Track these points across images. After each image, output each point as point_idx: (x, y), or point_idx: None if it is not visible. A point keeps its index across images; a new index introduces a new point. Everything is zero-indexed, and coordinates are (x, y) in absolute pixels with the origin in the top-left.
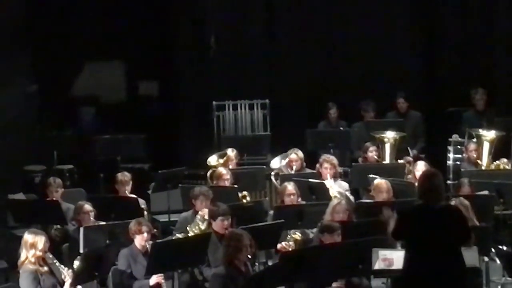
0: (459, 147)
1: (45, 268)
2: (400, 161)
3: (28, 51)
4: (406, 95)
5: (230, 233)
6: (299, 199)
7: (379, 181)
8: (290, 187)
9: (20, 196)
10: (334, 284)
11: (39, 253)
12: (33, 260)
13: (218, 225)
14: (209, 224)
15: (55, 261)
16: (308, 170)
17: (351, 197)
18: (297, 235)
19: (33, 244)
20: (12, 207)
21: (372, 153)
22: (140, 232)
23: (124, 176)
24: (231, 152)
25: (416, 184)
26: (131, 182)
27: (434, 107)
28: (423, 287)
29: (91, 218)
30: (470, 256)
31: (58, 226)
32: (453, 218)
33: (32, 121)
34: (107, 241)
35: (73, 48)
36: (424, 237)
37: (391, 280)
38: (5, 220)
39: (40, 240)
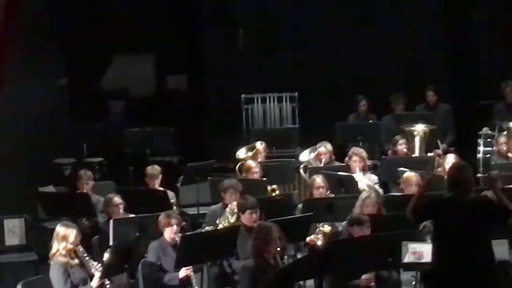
0: (489, 140)
1: (76, 261)
2: (430, 154)
3: (58, 45)
4: (436, 88)
5: (259, 226)
6: (328, 192)
7: (409, 174)
8: (318, 180)
9: (50, 188)
10: (363, 276)
11: (70, 246)
12: (64, 252)
13: (247, 218)
14: (238, 217)
15: (85, 254)
16: (337, 163)
17: (380, 190)
18: (326, 228)
19: (64, 237)
20: (42, 199)
21: (401, 146)
22: (170, 225)
23: (154, 169)
24: (259, 145)
25: (446, 177)
26: (160, 175)
27: (465, 100)
28: (453, 280)
29: (121, 211)
30: (500, 249)
31: (86, 221)
32: (482, 210)
33: (62, 114)
34: (137, 234)
35: (103, 41)
36: (453, 229)
37: (420, 273)
38: (36, 213)
39: (72, 233)
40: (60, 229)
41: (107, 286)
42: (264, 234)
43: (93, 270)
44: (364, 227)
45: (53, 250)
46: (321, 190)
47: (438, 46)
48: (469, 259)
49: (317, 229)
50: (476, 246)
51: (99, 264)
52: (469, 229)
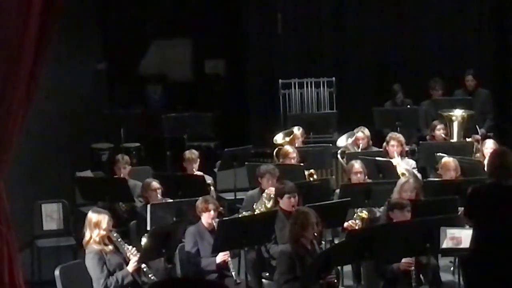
0: None
1: (110, 247)
2: (468, 139)
3: (98, 30)
4: (475, 72)
5: (297, 211)
6: (366, 177)
7: (447, 159)
8: (357, 165)
9: (88, 173)
10: (403, 260)
11: (103, 232)
12: (97, 239)
13: (285, 202)
14: (276, 202)
15: (119, 239)
16: (375, 149)
17: (418, 175)
18: (364, 214)
19: (96, 224)
20: (80, 184)
21: (439, 132)
22: (207, 210)
23: (192, 154)
24: (297, 130)
25: (485, 162)
26: (198, 160)
27: (504, 85)
28: (492, 266)
29: (159, 196)
30: None
31: (123, 205)
32: None
33: (100, 99)
34: (174, 219)
35: (142, 26)
36: (494, 215)
37: (459, 259)
38: (73, 198)
39: (104, 219)
40: (91, 216)
41: (144, 270)
42: (301, 219)
43: (128, 254)
44: (405, 211)
45: (87, 237)
46: (359, 175)
47: (478, 31)
48: (509, 245)
49: (355, 214)
50: None
51: (134, 248)
52: (510, 215)
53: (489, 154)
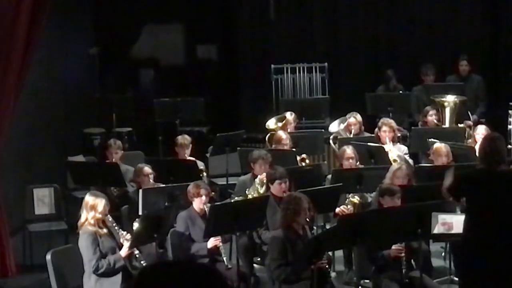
0: None
1: (105, 230)
2: (460, 125)
3: (90, 14)
4: (469, 58)
5: (289, 196)
6: (358, 163)
7: (439, 145)
8: (348, 150)
9: (80, 158)
10: (394, 246)
11: (98, 215)
12: (92, 222)
13: (276, 188)
14: (268, 188)
15: (114, 224)
16: (367, 134)
17: (410, 161)
18: (356, 199)
19: (93, 206)
20: (72, 169)
21: (431, 117)
22: (199, 195)
23: (185, 139)
24: (289, 116)
25: (477, 148)
26: (191, 145)
27: (496, 71)
28: (484, 252)
29: (151, 181)
30: None
31: (115, 190)
32: None
33: (92, 83)
34: (166, 204)
35: (134, 10)
36: (485, 201)
37: (450, 244)
38: (65, 182)
39: (101, 203)
40: (89, 199)
41: (137, 255)
42: (294, 204)
43: (122, 239)
44: (395, 198)
45: (82, 219)
46: (351, 161)
47: (471, 17)
48: (501, 231)
49: (347, 199)
50: (508, 217)
51: (128, 234)
52: (501, 201)
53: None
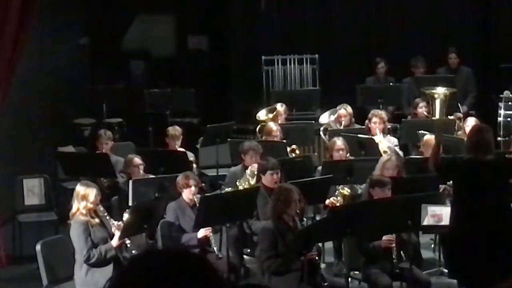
0: (510, 103)
1: (96, 220)
2: (450, 117)
3: (81, 4)
4: (458, 50)
5: (279, 187)
6: (348, 155)
7: (429, 137)
8: (339, 142)
9: (70, 149)
10: (384, 237)
11: (90, 205)
12: (84, 211)
13: (268, 179)
14: (259, 179)
15: (105, 214)
16: (357, 126)
17: (400, 153)
18: (346, 191)
19: (84, 196)
20: (62, 159)
21: (421, 109)
22: (188, 186)
23: (175, 130)
24: (280, 107)
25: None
26: (181, 137)
27: (486, 63)
28: (471, 240)
29: (141, 172)
30: None
31: (105, 181)
32: (501, 171)
33: (83, 74)
34: (156, 194)
35: (125, 1)
36: (472, 189)
37: (440, 236)
38: (55, 173)
39: (92, 192)
40: (80, 189)
41: (128, 245)
42: (284, 195)
43: (113, 229)
44: (385, 189)
45: (73, 209)
46: (341, 152)
47: (460, 9)
48: (487, 220)
49: (337, 191)
50: (495, 207)
51: (120, 223)
52: (488, 190)
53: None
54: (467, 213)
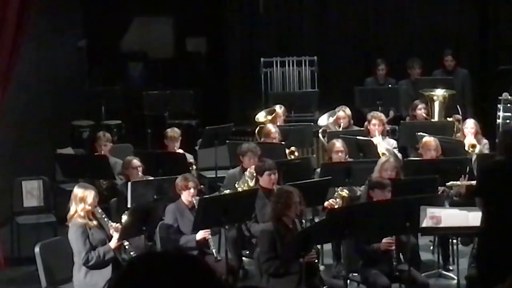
0: (509, 105)
1: (94, 222)
2: (449, 119)
3: (79, 6)
4: (456, 52)
5: (280, 190)
6: (347, 157)
7: (428, 139)
8: (338, 144)
9: (69, 150)
10: (384, 240)
11: (88, 207)
12: (82, 214)
13: (265, 180)
14: (257, 181)
15: (104, 216)
16: (356, 128)
17: (399, 155)
18: (344, 192)
19: (82, 198)
20: (61, 161)
21: (420, 111)
22: (187, 188)
23: (174, 132)
24: (279, 109)
25: (465, 141)
26: (180, 138)
27: (485, 65)
28: (505, 244)
29: (139, 173)
30: None
31: (104, 183)
32: None
33: (81, 76)
34: (155, 196)
35: (123, 3)
36: (505, 192)
37: (439, 238)
38: (54, 175)
39: (90, 194)
40: (78, 191)
41: (126, 246)
42: (285, 198)
43: (111, 231)
44: (385, 191)
45: (71, 211)
46: (340, 154)
47: (458, 11)
48: None
49: (336, 193)
50: None
51: (118, 225)
52: None
53: (475, 132)
54: (499, 214)
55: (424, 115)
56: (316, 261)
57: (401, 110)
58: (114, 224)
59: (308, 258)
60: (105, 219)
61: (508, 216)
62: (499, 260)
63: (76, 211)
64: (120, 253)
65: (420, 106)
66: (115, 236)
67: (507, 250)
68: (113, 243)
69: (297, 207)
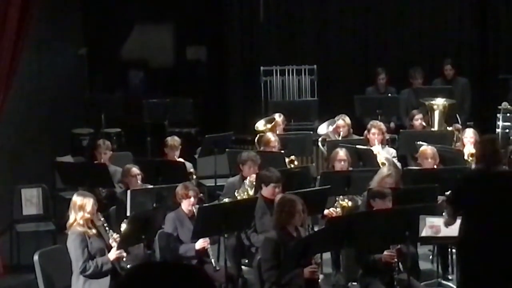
0: (508, 114)
1: (93, 231)
2: (449, 128)
3: (79, 14)
4: (456, 61)
5: (283, 198)
6: (349, 166)
7: (424, 148)
8: (342, 152)
9: (68, 158)
10: (386, 252)
11: (87, 215)
12: (81, 222)
13: (269, 191)
14: (258, 189)
15: (105, 224)
16: (355, 137)
17: (398, 164)
18: (346, 202)
19: (81, 206)
20: (60, 169)
21: (417, 121)
22: (187, 197)
23: (174, 140)
24: (278, 118)
25: (465, 151)
26: (180, 147)
27: (485, 74)
28: (482, 253)
29: (139, 182)
30: None
31: (103, 191)
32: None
33: (81, 83)
34: (154, 205)
35: (123, 11)
36: (483, 201)
37: (438, 248)
38: (53, 182)
39: (89, 202)
40: (76, 199)
41: (124, 258)
42: (288, 206)
43: (110, 241)
44: (386, 200)
45: (71, 220)
46: (343, 163)
47: (460, 20)
48: (499, 231)
49: (336, 202)
50: (507, 217)
51: (118, 235)
52: (500, 201)
53: (475, 141)
54: (478, 223)
55: (424, 124)
56: (317, 274)
57: (402, 119)
58: (114, 235)
59: (310, 272)
60: (106, 228)
61: (483, 227)
62: (476, 270)
63: (75, 219)
64: (119, 264)
65: (417, 116)
66: (114, 248)
67: (483, 260)
68: (112, 255)
69: (300, 215)
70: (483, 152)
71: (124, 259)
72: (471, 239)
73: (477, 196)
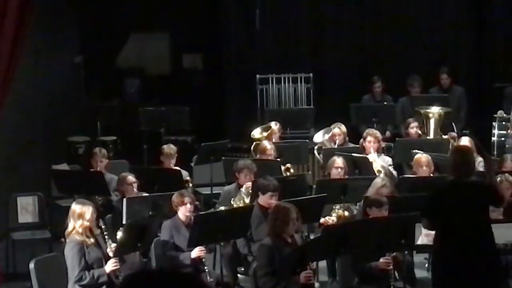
0: (504, 123)
1: (92, 240)
2: (445, 137)
3: (75, 23)
4: (450, 70)
5: (277, 206)
6: (345, 174)
7: (418, 156)
8: (339, 160)
9: (64, 166)
10: (382, 259)
11: (86, 223)
12: (80, 230)
13: (266, 199)
14: (254, 198)
15: (105, 233)
16: (351, 145)
17: (394, 172)
18: (341, 211)
19: (80, 215)
20: (56, 177)
21: (413, 130)
22: (183, 204)
23: (170, 148)
24: (274, 126)
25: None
26: (176, 155)
27: (481, 83)
28: (456, 263)
29: (135, 190)
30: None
31: (99, 199)
32: (483, 193)
33: (77, 91)
34: (150, 213)
35: (119, 19)
36: (455, 211)
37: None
38: (49, 190)
39: (88, 211)
40: (76, 207)
41: (121, 274)
42: (283, 215)
43: (108, 250)
44: (382, 209)
45: (69, 228)
46: (339, 170)
47: (456, 28)
48: (471, 241)
49: (332, 210)
50: (477, 228)
51: (115, 245)
52: (470, 211)
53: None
54: (450, 233)
55: (419, 132)
56: (312, 281)
57: (398, 128)
58: (112, 245)
59: (305, 278)
60: (105, 236)
61: (454, 238)
62: (450, 280)
63: (74, 228)
64: (115, 276)
65: (412, 124)
66: (110, 261)
67: (456, 270)
68: (108, 267)
69: (295, 223)
70: (454, 163)
71: (121, 272)
72: (443, 251)
73: (448, 207)
